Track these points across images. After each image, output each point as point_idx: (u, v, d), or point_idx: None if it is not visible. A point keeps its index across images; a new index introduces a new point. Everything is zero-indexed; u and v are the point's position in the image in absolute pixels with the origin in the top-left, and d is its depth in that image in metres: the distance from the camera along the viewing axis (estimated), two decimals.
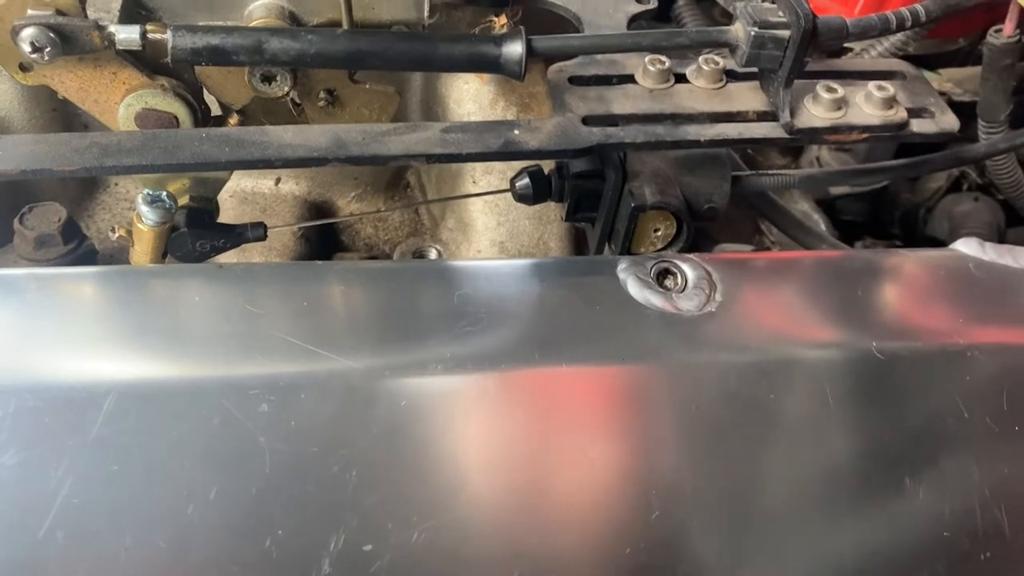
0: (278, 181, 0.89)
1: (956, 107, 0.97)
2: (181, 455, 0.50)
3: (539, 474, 0.53)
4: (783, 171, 0.76)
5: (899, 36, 0.88)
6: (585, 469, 0.53)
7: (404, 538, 0.50)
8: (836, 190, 1.01)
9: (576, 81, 0.68)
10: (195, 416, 0.50)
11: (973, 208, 1.11)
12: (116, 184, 0.89)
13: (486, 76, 0.78)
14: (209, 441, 0.50)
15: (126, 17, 0.64)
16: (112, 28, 0.58)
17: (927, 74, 0.96)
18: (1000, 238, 1.10)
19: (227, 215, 0.75)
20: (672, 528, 0.53)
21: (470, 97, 0.81)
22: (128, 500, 0.49)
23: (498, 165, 0.82)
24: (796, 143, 0.68)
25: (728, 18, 1.04)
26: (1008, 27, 0.84)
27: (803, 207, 0.95)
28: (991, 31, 0.86)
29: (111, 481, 0.49)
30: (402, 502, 0.51)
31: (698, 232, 0.79)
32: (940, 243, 1.13)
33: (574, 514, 0.53)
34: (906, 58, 0.99)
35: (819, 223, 0.93)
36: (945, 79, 0.97)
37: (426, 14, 0.69)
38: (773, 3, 0.65)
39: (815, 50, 0.64)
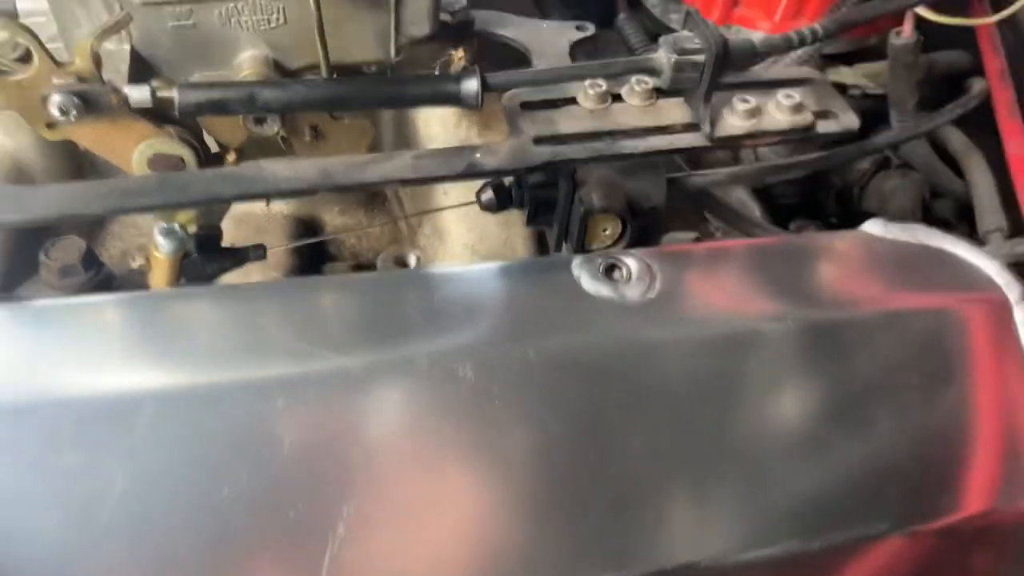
0: (268, 202, 0.99)
1: (871, 98, 1.09)
2: (215, 446, 0.58)
3: (509, 438, 0.63)
4: (712, 171, 0.87)
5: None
6: (547, 433, 0.64)
7: (405, 503, 0.60)
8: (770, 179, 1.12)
9: (527, 106, 0.78)
10: (224, 413, 0.59)
11: (899, 184, 1.22)
12: None
13: None
14: (237, 433, 0.59)
15: (134, 74, 0.73)
16: (126, 90, 0.68)
17: (844, 70, 1.08)
18: (925, 208, 1.21)
19: (224, 234, 0.85)
20: (626, 481, 0.64)
21: (436, 119, 0.92)
22: (174, 487, 0.57)
23: None
24: (718, 150, 0.79)
25: (660, 26, 1.15)
26: (906, 30, 0.96)
27: (740, 196, 1.06)
28: (892, 33, 0.97)
29: (158, 472, 0.58)
30: (400, 473, 0.61)
31: (652, 223, 0.90)
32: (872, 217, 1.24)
33: (540, 470, 0.63)
34: (827, 55, 1.11)
35: (754, 209, 1.05)
36: (860, 73, 1.08)
37: (393, 54, 0.79)
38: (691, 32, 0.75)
39: (728, 69, 0.75)
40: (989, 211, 0.99)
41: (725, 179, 0.87)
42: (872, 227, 0.82)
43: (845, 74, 1.08)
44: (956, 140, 1.09)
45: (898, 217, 1.15)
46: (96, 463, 0.57)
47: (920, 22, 0.95)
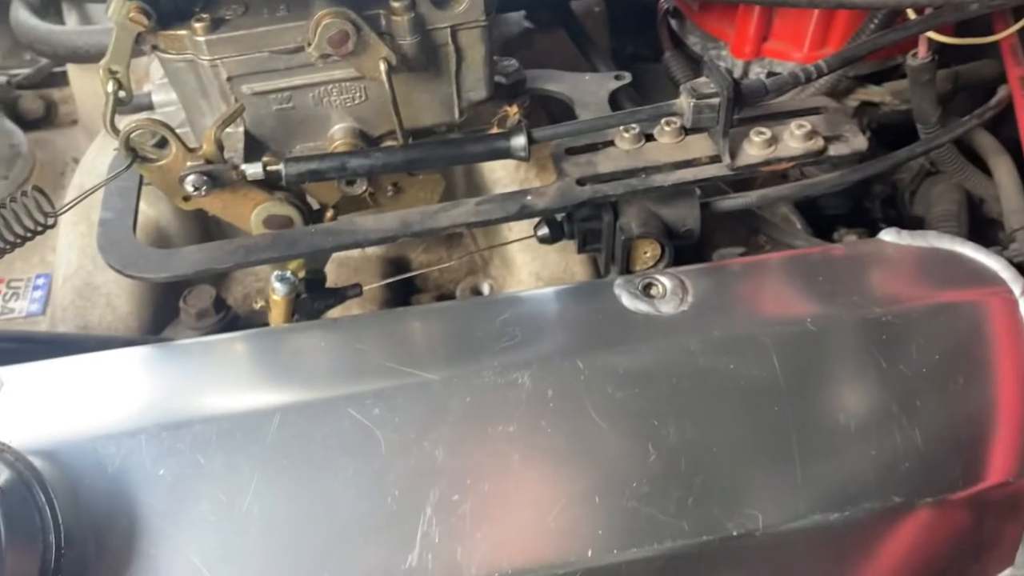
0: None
1: (899, 114, 1.17)
2: (327, 448, 0.72)
3: (561, 432, 0.75)
4: (743, 193, 0.97)
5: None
6: (595, 427, 0.76)
7: (479, 488, 0.73)
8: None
9: (571, 151, 0.91)
10: (333, 421, 0.73)
11: (944, 188, 1.29)
12: None
13: None
14: (343, 436, 0.73)
15: (248, 151, 0.90)
16: (244, 167, 0.85)
17: (872, 88, 1.17)
18: (971, 208, 1.27)
19: (328, 276, 1.01)
20: (665, 466, 0.75)
21: (500, 165, 1.06)
22: (296, 481, 0.71)
23: None
24: (739, 178, 0.90)
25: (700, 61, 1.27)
26: (921, 51, 1.04)
27: (783, 210, 1.16)
28: (909, 55, 1.06)
29: (284, 470, 0.72)
30: (475, 464, 0.73)
31: (701, 240, 1.01)
32: (921, 221, 1.32)
33: (591, 459, 0.75)
34: (856, 76, 1.20)
35: (796, 223, 1.14)
36: (887, 92, 1.16)
37: (457, 116, 0.94)
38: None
39: (742, 108, 0.86)
40: (1015, 211, 1.06)
41: (756, 200, 0.97)
42: (887, 235, 0.92)
43: (874, 92, 1.17)
44: (985, 143, 1.17)
45: (942, 219, 1.23)
46: (235, 464, 0.72)
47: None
